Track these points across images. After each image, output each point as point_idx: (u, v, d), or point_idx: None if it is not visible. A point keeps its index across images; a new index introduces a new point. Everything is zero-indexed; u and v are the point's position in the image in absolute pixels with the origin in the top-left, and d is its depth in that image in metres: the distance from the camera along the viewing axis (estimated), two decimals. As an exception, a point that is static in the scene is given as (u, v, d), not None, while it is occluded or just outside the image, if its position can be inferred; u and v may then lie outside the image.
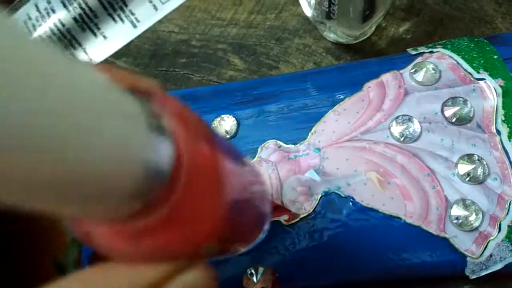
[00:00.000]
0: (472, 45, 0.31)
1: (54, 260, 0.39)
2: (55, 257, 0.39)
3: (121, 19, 0.37)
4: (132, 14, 0.38)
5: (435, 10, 0.35)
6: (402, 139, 0.28)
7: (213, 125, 0.30)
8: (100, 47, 0.37)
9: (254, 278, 0.26)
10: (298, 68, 0.35)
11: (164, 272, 0.14)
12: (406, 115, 0.28)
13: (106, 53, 0.37)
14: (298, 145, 0.29)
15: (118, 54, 0.37)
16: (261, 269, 0.26)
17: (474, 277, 0.26)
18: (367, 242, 0.26)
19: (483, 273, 0.26)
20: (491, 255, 0.26)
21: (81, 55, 0.38)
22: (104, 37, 0.37)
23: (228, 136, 0.30)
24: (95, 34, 0.37)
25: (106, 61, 0.37)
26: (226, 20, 0.37)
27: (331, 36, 0.34)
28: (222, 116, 0.30)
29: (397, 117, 0.28)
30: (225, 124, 0.30)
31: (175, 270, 0.14)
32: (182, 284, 0.14)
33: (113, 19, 0.37)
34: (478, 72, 0.29)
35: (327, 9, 0.31)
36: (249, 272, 0.26)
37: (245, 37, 0.36)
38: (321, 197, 0.27)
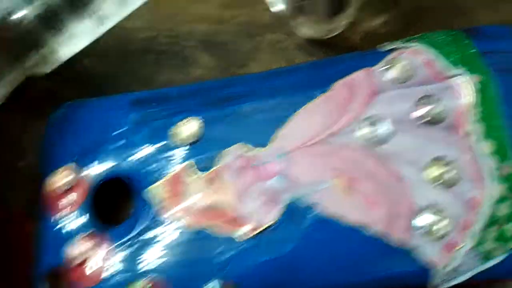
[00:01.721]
0: (449, 38, 0.29)
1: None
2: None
3: (87, 16, 0.36)
4: (98, 10, 0.36)
5: (412, 2, 0.33)
6: (370, 142, 0.27)
7: (177, 128, 0.29)
8: (64, 45, 0.36)
9: (212, 294, 0.25)
10: (270, 65, 0.33)
11: None
12: (376, 116, 0.27)
13: (70, 51, 0.36)
14: (262, 149, 0.28)
15: (83, 53, 0.36)
16: (221, 283, 0.25)
17: None
18: (331, 253, 0.25)
19: (452, 283, 0.25)
20: (459, 265, 0.24)
21: (45, 55, 0.36)
22: (69, 34, 0.36)
23: (191, 140, 0.28)
24: (59, 31, 0.36)
25: (71, 60, 0.36)
26: (195, 16, 0.35)
27: (303, 32, 0.33)
28: (189, 118, 0.29)
29: (367, 118, 0.27)
30: (191, 126, 0.29)
31: None
32: None
33: (78, 15, 0.36)
34: (454, 68, 0.28)
35: (297, 3, 0.29)
36: (209, 286, 0.25)
37: (215, 34, 0.35)
38: (285, 206, 0.26)
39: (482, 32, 0.30)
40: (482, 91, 0.27)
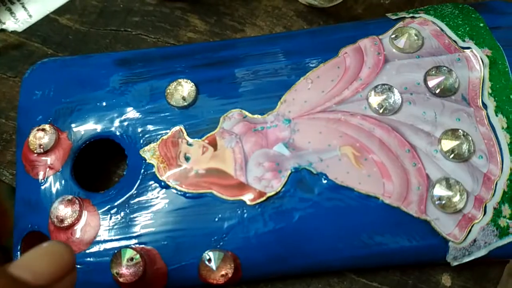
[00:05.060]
0: (457, 11, 0.28)
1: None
2: (0, 240, 0.35)
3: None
4: (78, -36, 0.33)
5: (417, -27, 0.32)
6: (381, 110, 0.25)
7: (168, 91, 0.26)
8: (40, 1, 0.32)
9: (213, 264, 0.23)
10: (266, 31, 0.31)
11: None
12: (386, 85, 0.25)
13: (46, 8, 0.32)
14: (265, 115, 0.26)
15: (61, 10, 0.32)
16: (220, 254, 0.23)
17: (456, 263, 0.24)
18: (340, 224, 0.23)
19: (466, 259, 0.23)
20: (475, 240, 0.23)
21: (19, 11, 0.33)
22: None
23: (185, 103, 0.26)
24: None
25: (47, 18, 0.32)
26: (186, -23, 0.33)
27: (303, -2, 0.31)
28: (179, 80, 0.26)
29: (376, 87, 0.25)
30: (182, 89, 0.26)
31: None
32: None
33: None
34: (464, 40, 0.27)
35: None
36: (206, 257, 0.23)
37: (207, -4, 0.32)
38: (290, 174, 0.24)
39: (490, 7, 0.29)
40: (493, 65, 0.26)
